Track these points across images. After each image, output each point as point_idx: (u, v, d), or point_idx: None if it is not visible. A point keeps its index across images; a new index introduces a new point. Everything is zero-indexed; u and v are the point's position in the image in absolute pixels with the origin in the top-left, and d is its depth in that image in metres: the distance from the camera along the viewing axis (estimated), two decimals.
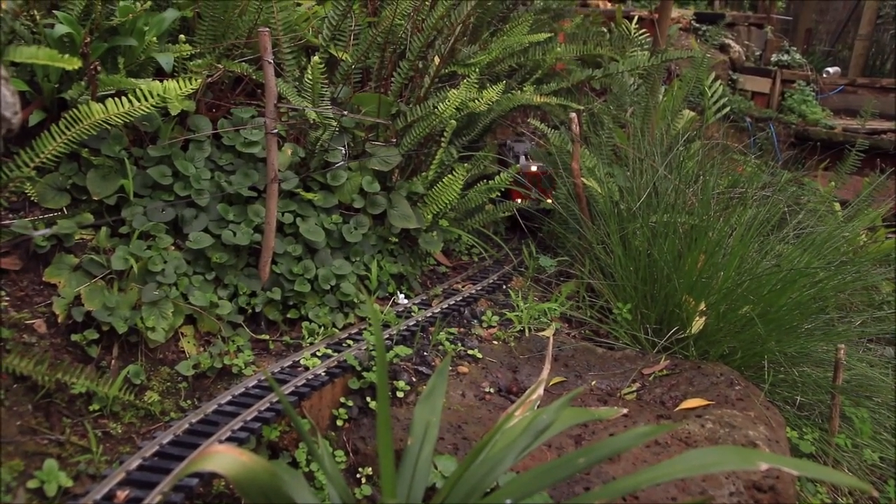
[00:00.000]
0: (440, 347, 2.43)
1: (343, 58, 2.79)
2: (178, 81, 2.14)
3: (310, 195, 2.51)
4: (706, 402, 2.17)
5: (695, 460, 1.30)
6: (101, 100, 2.05)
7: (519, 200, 3.60)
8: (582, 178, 3.07)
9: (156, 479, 1.54)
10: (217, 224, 2.32)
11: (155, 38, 2.26)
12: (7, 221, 1.99)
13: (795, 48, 7.41)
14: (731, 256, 2.61)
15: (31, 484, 1.62)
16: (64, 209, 2.13)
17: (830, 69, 7.25)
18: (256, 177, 2.41)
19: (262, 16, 2.55)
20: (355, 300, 2.52)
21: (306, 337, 2.36)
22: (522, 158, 3.69)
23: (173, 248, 2.23)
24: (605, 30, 4.66)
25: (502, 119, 3.58)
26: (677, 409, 2.19)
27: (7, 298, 1.94)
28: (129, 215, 2.18)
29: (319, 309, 2.44)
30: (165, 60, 2.27)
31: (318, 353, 2.23)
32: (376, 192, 2.66)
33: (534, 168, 3.61)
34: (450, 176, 2.86)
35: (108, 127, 2.10)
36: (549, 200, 3.60)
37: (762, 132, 5.83)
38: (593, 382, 2.39)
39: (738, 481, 1.80)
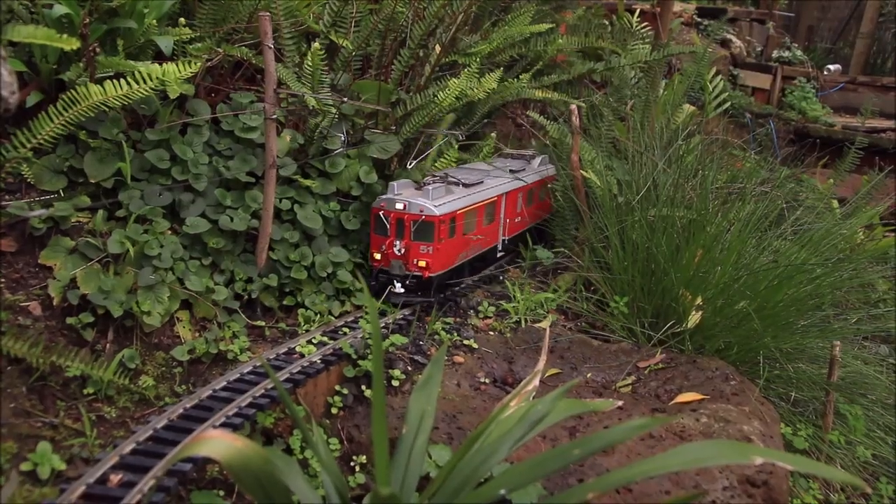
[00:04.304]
0: (436, 337, 2.43)
1: (344, 44, 2.77)
2: (177, 65, 2.12)
3: (308, 182, 2.50)
4: (701, 397, 2.17)
5: (689, 454, 1.30)
6: (100, 82, 2.03)
7: (377, 256, 2.47)
8: (581, 171, 3.06)
9: (149, 464, 1.54)
10: (214, 209, 2.31)
11: (155, 21, 2.25)
12: (3, 203, 1.98)
13: (797, 45, 7.41)
14: (728, 251, 2.61)
15: (25, 466, 1.62)
16: (60, 191, 2.11)
17: (831, 66, 7.25)
18: (255, 162, 2.40)
19: (262, 0, 2.54)
20: (352, 288, 2.52)
21: (302, 324, 2.36)
22: (394, 186, 2.48)
23: (170, 232, 2.23)
24: (607, 22, 4.65)
25: (502, 108, 3.55)
26: (672, 402, 2.19)
27: (2, 280, 1.93)
28: (126, 199, 2.17)
29: (316, 296, 2.44)
30: (165, 43, 2.25)
31: (314, 341, 2.22)
32: (374, 182, 2.65)
33: (399, 206, 2.41)
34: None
35: (107, 109, 2.09)
36: (424, 263, 2.35)
37: (762, 128, 5.83)
38: (589, 375, 2.39)
39: (731, 475, 1.80)
